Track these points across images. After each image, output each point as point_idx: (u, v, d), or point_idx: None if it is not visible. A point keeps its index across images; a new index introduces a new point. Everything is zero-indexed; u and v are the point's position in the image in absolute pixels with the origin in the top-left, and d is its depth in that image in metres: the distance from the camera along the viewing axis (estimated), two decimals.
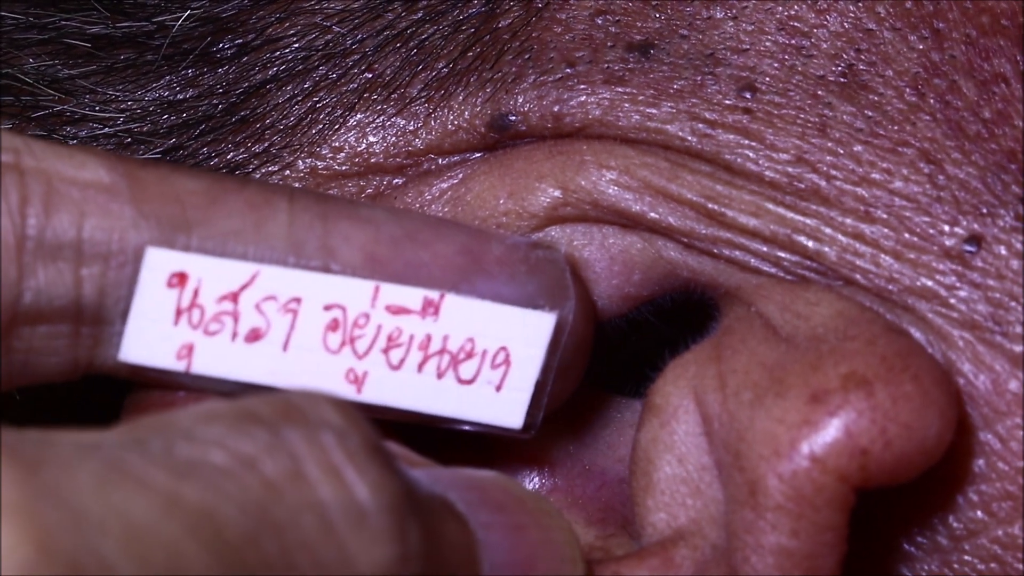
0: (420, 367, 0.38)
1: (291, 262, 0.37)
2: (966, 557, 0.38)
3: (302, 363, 0.38)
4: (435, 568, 0.34)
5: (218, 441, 0.31)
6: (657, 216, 0.40)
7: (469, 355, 0.39)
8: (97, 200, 0.36)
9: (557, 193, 0.40)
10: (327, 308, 0.38)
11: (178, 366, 0.38)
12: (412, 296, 0.38)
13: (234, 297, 0.37)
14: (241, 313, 0.37)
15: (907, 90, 0.38)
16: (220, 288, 0.37)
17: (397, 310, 0.38)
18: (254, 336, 0.38)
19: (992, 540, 0.38)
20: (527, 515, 0.38)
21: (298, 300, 0.37)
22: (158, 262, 0.36)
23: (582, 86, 0.40)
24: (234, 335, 0.37)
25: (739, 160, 0.39)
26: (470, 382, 0.39)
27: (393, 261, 0.38)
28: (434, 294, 0.38)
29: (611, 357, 0.43)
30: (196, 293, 0.37)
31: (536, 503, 0.38)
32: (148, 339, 0.37)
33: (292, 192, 0.38)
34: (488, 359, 0.39)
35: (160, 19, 0.39)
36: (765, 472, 0.36)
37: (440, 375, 0.39)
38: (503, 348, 0.39)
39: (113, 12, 0.39)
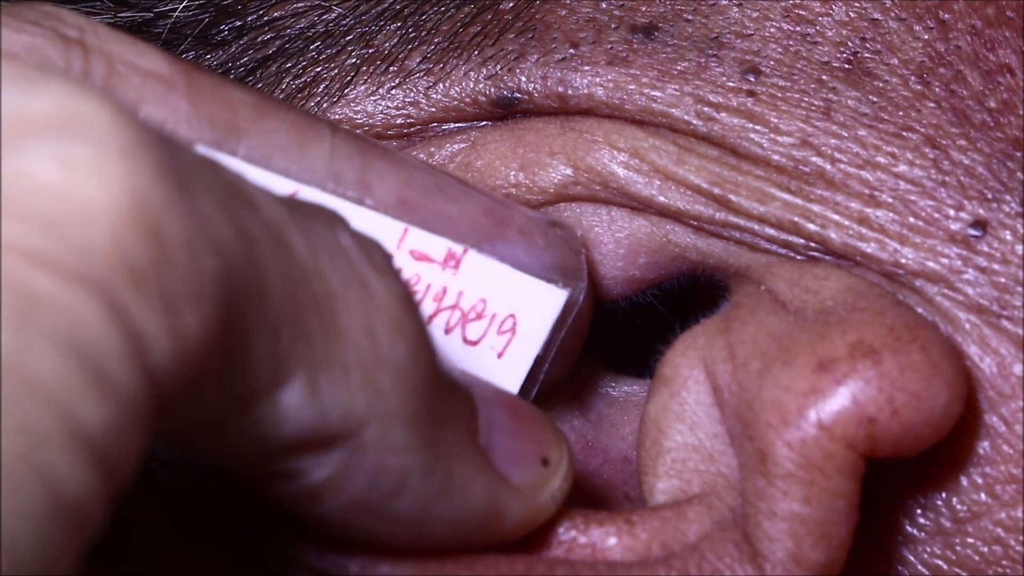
0: (430, 319, 0.39)
1: (329, 188, 0.37)
2: (969, 539, 0.39)
3: None
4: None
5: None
6: (666, 200, 0.40)
7: (479, 316, 0.39)
8: (156, 88, 0.35)
9: (568, 171, 0.40)
10: None
11: None
12: (437, 245, 0.38)
13: None
14: None
15: (912, 78, 0.38)
16: None
17: (420, 256, 0.38)
18: None
19: (995, 523, 0.38)
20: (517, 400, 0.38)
21: None
22: None
23: (586, 67, 0.40)
24: None
25: (744, 143, 0.39)
26: (474, 343, 0.39)
27: (423, 208, 0.38)
28: (457, 247, 0.38)
29: (619, 339, 0.43)
30: None
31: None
32: None
33: (333, 124, 0.38)
34: (496, 323, 0.39)
35: (162, 9, 0.39)
36: (774, 440, 0.37)
37: (448, 331, 0.39)
38: (512, 315, 0.39)
39: (116, 3, 0.39)
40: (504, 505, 0.37)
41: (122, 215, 0.26)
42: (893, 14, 0.38)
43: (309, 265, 0.31)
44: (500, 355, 0.39)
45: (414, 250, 0.38)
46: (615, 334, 0.43)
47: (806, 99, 0.39)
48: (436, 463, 0.34)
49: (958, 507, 0.39)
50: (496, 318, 0.39)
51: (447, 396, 0.35)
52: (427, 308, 0.39)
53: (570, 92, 0.40)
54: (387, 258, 0.34)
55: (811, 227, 0.39)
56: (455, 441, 0.35)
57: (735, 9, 0.39)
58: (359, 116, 0.41)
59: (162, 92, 0.35)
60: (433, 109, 0.41)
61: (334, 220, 0.33)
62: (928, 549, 0.39)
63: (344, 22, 0.40)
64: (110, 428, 0.25)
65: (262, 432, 0.31)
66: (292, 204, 0.32)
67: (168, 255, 0.27)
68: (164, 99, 0.35)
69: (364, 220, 0.37)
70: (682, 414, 0.40)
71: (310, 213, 0.33)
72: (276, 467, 0.33)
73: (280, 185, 0.37)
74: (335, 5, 0.40)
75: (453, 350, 0.39)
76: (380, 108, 0.41)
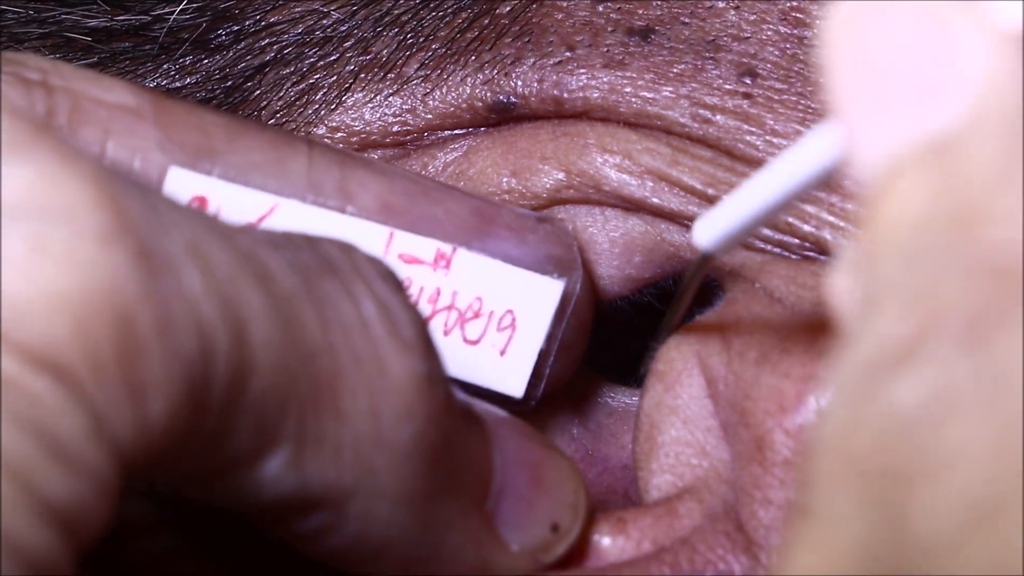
0: (427, 321, 0.38)
1: (310, 199, 0.37)
2: None
3: None
4: (452, 429, 0.34)
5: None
6: (659, 201, 0.40)
7: (476, 314, 0.39)
8: (123, 120, 0.35)
9: (560, 176, 0.40)
10: None
11: None
12: (425, 246, 0.38)
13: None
14: None
15: None
16: (238, 217, 0.36)
17: (410, 259, 0.38)
18: None
19: None
20: (536, 437, 0.38)
21: None
22: (180, 183, 0.36)
23: (582, 70, 0.40)
24: None
25: (740, 146, 0.39)
26: (475, 343, 0.39)
27: (407, 212, 0.38)
28: (447, 247, 0.38)
29: (617, 347, 0.43)
30: None
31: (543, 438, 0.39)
32: None
33: (310, 139, 0.38)
34: (495, 321, 0.39)
35: (158, 12, 0.39)
36: (772, 427, 0.36)
37: (447, 332, 0.39)
38: (510, 311, 0.39)
39: (113, 6, 0.39)
40: (498, 567, 0.36)
41: (90, 305, 0.26)
42: None
43: (318, 343, 0.31)
44: (503, 352, 0.39)
45: (403, 253, 0.38)
46: (613, 344, 0.43)
47: (803, 101, 0.39)
48: (424, 536, 0.34)
49: None
50: (494, 315, 0.39)
51: (455, 471, 0.35)
52: (422, 311, 0.38)
53: (565, 95, 0.40)
54: (418, 330, 0.33)
55: (805, 228, 0.39)
56: (454, 515, 0.35)
57: (732, 12, 0.39)
58: (357, 123, 0.41)
59: (130, 122, 0.36)
60: (430, 116, 0.41)
61: (369, 281, 0.33)
62: None
63: (342, 28, 0.40)
64: (73, 498, 0.26)
65: (241, 493, 0.31)
66: (320, 267, 0.32)
67: (135, 345, 0.27)
68: (132, 129, 0.36)
69: (347, 228, 0.37)
70: (676, 408, 0.40)
71: (341, 276, 0.32)
72: (259, 516, 0.33)
73: (259, 200, 0.36)
74: (332, 10, 0.40)
75: (454, 352, 0.39)
76: (378, 115, 0.41)
